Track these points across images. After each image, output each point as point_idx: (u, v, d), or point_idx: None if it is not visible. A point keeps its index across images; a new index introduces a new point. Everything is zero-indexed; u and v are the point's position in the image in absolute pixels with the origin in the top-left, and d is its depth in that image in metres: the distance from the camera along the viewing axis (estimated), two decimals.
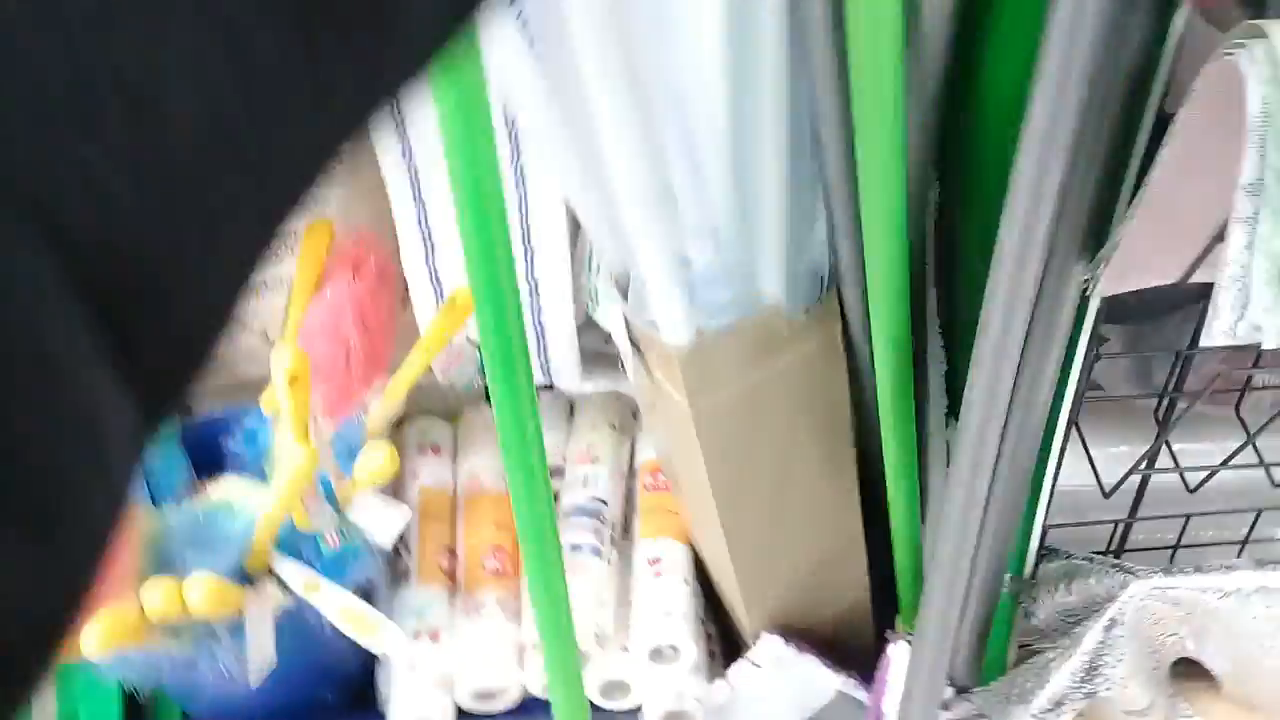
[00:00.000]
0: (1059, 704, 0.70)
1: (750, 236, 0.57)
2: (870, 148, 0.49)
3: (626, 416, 0.99)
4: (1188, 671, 0.71)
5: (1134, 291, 0.54)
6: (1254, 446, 0.67)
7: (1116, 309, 0.62)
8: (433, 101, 0.43)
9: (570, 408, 1.01)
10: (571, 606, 0.65)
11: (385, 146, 0.77)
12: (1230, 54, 0.41)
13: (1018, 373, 0.60)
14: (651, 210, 0.53)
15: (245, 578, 0.78)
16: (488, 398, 1.03)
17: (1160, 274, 0.53)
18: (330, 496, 0.79)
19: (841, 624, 0.90)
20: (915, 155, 0.60)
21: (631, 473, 0.97)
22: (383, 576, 0.89)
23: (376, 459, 0.73)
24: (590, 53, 0.47)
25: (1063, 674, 0.68)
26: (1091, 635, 0.62)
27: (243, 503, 0.82)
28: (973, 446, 0.58)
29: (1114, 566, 0.64)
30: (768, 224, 0.57)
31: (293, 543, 0.79)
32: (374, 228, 0.84)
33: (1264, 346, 0.44)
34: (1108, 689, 0.68)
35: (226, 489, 0.85)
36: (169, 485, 0.86)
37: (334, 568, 0.78)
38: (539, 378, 0.91)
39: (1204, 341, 0.44)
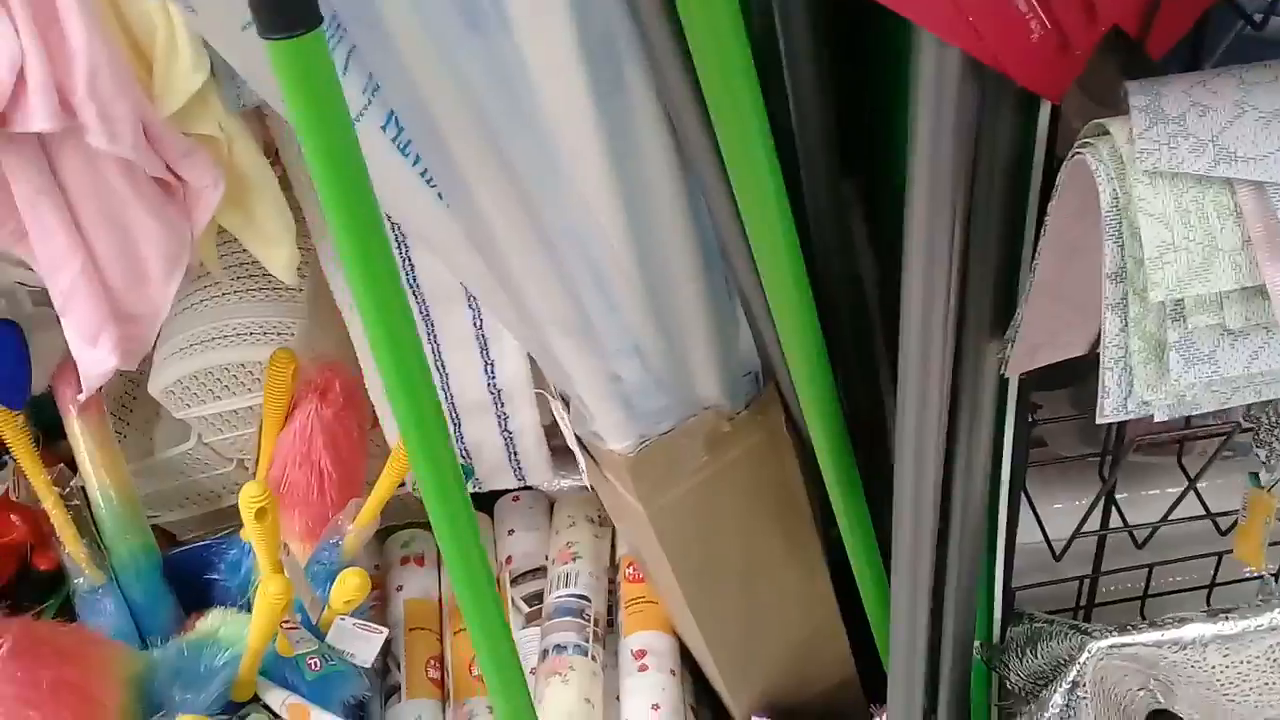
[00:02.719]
0: None
1: (675, 350, 0.59)
2: (766, 258, 0.51)
3: (605, 510, 1.00)
4: None
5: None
6: (1197, 493, 0.68)
7: (1051, 376, 0.63)
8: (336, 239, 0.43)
9: (551, 506, 1.02)
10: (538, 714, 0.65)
11: (339, 278, 0.79)
12: (1080, 153, 0.43)
13: (952, 451, 0.62)
14: (574, 339, 0.55)
15: (233, 708, 0.80)
16: None
17: (1067, 348, 0.54)
18: (309, 623, 0.80)
19: (832, 701, 0.91)
20: (824, 244, 0.62)
21: (614, 564, 0.98)
22: (376, 693, 0.90)
23: (350, 586, 0.75)
24: (493, 207, 0.50)
25: None
26: (1055, 700, 0.63)
27: (228, 635, 0.83)
28: (910, 530, 0.59)
29: (1071, 627, 0.65)
30: (690, 336, 0.59)
31: (278, 670, 0.80)
32: (338, 353, 0.86)
33: (1155, 419, 0.46)
34: None
35: (212, 621, 0.86)
36: (156, 622, 0.87)
37: (320, 692, 0.80)
38: (511, 480, 0.93)
39: (1099, 419, 0.46)
